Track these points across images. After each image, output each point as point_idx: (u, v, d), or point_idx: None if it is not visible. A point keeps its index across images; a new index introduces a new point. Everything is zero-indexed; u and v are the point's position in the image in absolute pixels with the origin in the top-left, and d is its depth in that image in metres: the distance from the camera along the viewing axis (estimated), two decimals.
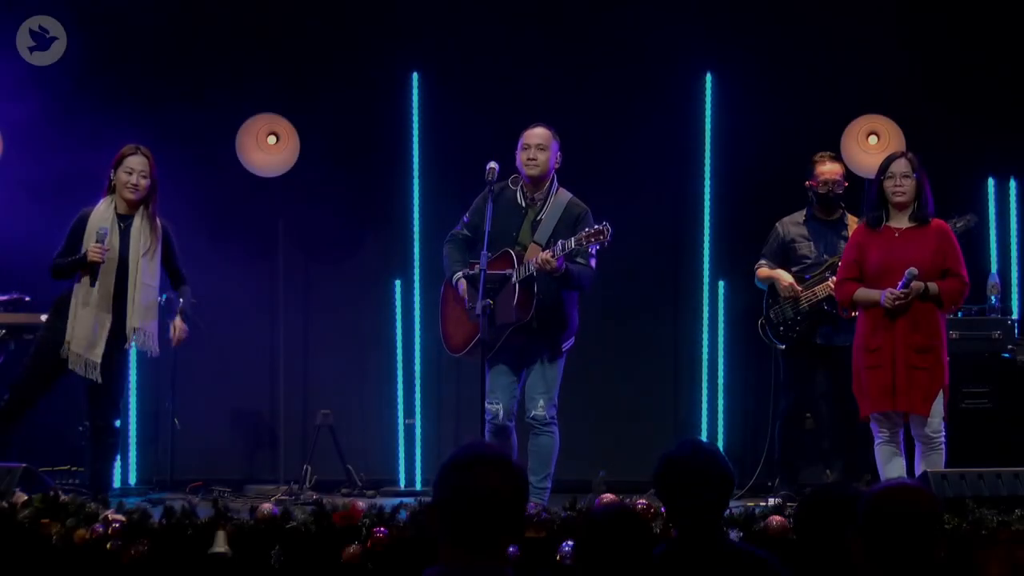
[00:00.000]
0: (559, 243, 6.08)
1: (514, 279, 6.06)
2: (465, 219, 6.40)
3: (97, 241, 6.14)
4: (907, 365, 5.90)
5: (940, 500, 2.90)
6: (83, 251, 6.16)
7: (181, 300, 6.45)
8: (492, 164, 6.16)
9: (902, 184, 6.03)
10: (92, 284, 6.16)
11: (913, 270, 5.86)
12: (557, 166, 6.28)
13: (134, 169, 6.25)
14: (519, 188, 6.29)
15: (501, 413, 6.13)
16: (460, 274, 6.21)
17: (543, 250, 6.10)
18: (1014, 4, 8.04)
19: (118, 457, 7.53)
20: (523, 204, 6.26)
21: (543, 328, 6.15)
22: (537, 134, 6.25)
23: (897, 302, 5.89)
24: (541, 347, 6.21)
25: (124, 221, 6.28)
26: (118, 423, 6.74)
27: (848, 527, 2.94)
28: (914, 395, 5.91)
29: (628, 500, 5.42)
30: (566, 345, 6.29)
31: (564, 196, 6.30)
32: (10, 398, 6.32)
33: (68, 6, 7.89)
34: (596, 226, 6.08)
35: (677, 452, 3.51)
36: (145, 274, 6.26)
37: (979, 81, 7.98)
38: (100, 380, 6.20)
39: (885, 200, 6.08)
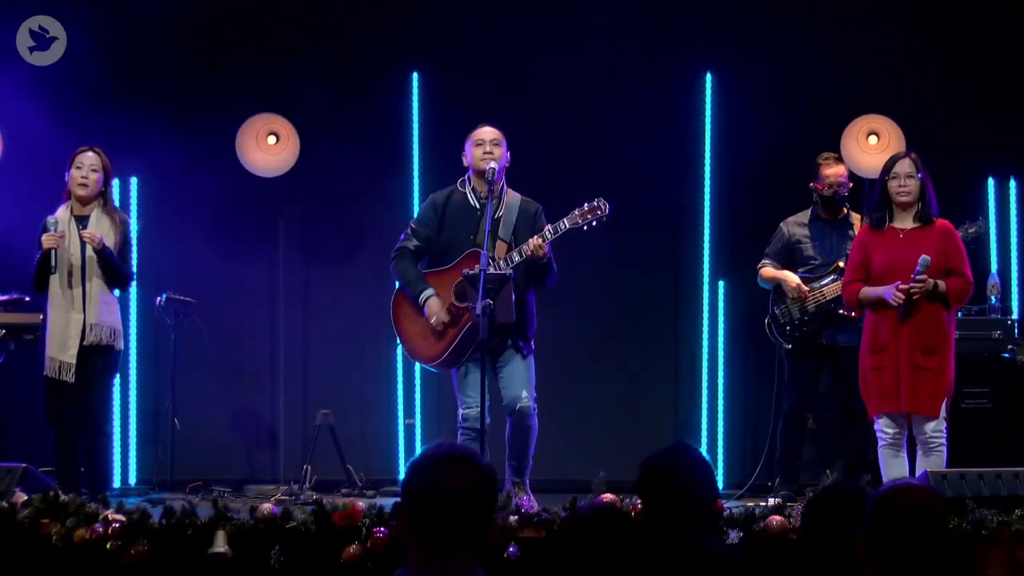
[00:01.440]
0: (548, 227, 6.08)
1: (509, 272, 6.03)
2: (413, 228, 6.38)
3: (48, 232, 6.30)
4: (912, 366, 5.90)
5: (946, 502, 2.89)
6: (53, 264, 6.31)
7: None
8: (492, 164, 6.15)
9: (906, 184, 6.03)
10: (54, 273, 6.29)
11: (926, 258, 5.86)
12: (507, 165, 6.29)
13: (83, 164, 6.41)
14: (468, 190, 6.28)
15: (477, 415, 6.04)
16: (431, 293, 6.19)
17: (508, 247, 6.12)
18: (1014, 4, 8.04)
19: (115, 457, 7.57)
20: (476, 205, 6.24)
21: (516, 325, 6.12)
22: (490, 131, 6.25)
23: (914, 289, 5.87)
24: (513, 343, 6.18)
25: (81, 222, 6.40)
26: (108, 425, 6.79)
27: (854, 526, 2.94)
28: (920, 396, 5.91)
29: (628, 500, 5.43)
30: (533, 343, 6.28)
31: (515, 195, 6.33)
32: (54, 428, 6.42)
33: (68, 6, 7.88)
34: (591, 202, 6.08)
35: (662, 456, 3.54)
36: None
37: (979, 81, 7.98)
38: (74, 380, 6.29)
39: (889, 200, 6.08)
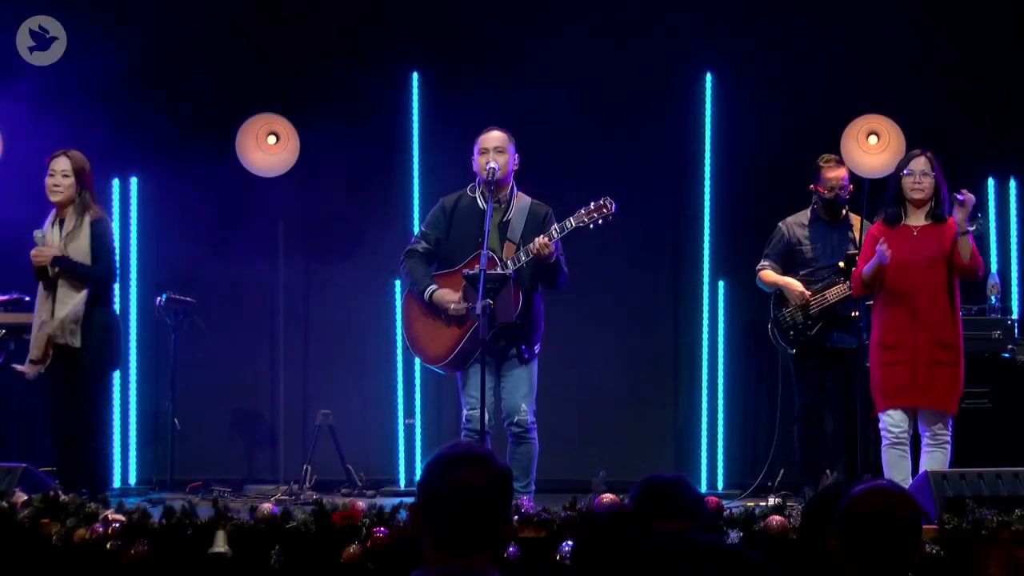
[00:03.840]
0: (554, 226, 6.09)
1: (509, 272, 6.04)
2: (423, 231, 6.39)
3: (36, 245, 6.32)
4: (930, 361, 5.96)
5: (919, 507, 2.89)
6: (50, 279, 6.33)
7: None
8: (492, 164, 6.15)
9: (921, 182, 6.09)
10: (46, 290, 6.32)
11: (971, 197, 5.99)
12: (515, 168, 6.29)
13: (55, 171, 6.40)
14: (478, 194, 6.29)
15: (481, 417, 6.05)
16: (434, 287, 6.20)
17: (516, 249, 6.13)
18: (1013, 4, 8.04)
19: (115, 457, 7.58)
20: (485, 208, 6.20)
21: (518, 329, 6.14)
22: (494, 137, 6.22)
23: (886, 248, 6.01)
24: (518, 349, 6.19)
25: (63, 226, 6.41)
26: (108, 426, 6.79)
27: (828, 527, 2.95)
28: (936, 391, 5.97)
29: (627, 500, 5.42)
30: (538, 347, 6.29)
31: (525, 199, 6.32)
32: (53, 430, 6.44)
33: (68, 6, 7.88)
34: (597, 201, 6.08)
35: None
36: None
37: (979, 81, 7.98)
38: (39, 378, 6.34)
39: (903, 197, 6.12)
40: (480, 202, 6.26)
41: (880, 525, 2.81)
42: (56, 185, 6.37)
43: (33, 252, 6.32)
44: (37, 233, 6.35)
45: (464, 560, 2.59)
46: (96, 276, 6.37)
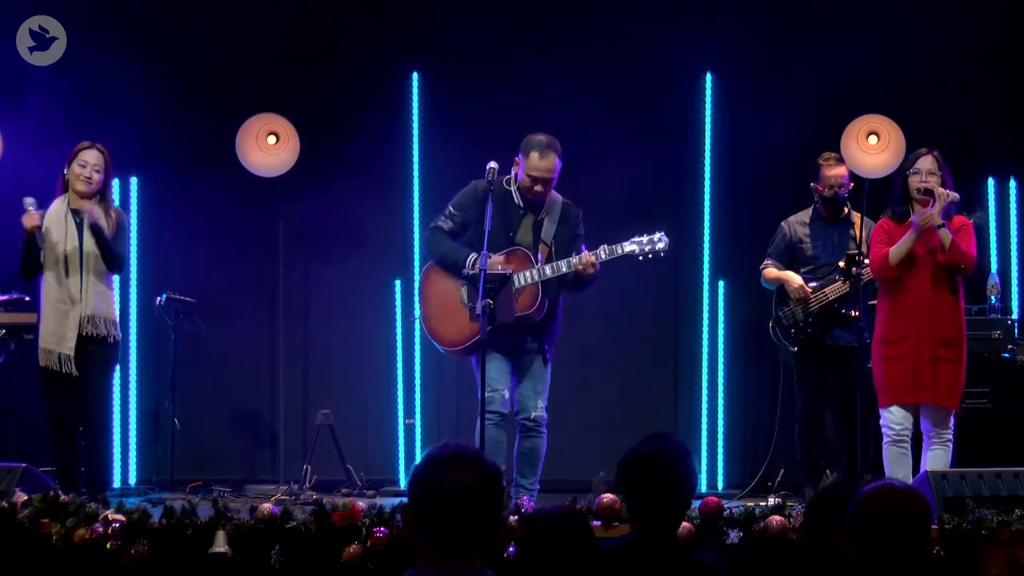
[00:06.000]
0: (604, 248, 6.11)
1: (536, 278, 6.09)
2: (450, 211, 6.35)
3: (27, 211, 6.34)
4: (932, 357, 5.97)
5: (929, 504, 2.90)
6: (39, 246, 6.35)
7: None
8: (492, 164, 6.14)
9: (927, 180, 6.09)
10: (42, 250, 6.33)
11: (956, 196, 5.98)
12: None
13: (88, 162, 6.42)
14: (514, 188, 6.29)
15: (506, 397, 6.13)
16: (475, 255, 6.08)
17: (549, 250, 6.17)
18: (1013, 4, 8.04)
19: (115, 457, 7.58)
20: (521, 205, 6.25)
21: (543, 328, 6.18)
22: (552, 167, 6.17)
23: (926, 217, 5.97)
24: (538, 346, 6.22)
25: (78, 216, 6.41)
26: (109, 421, 6.79)
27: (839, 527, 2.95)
28: (940, 387, 5.98)
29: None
30: (554, 349, 6.32)
31: (557, 198, 6.33)
32: (52, 426, 6.44)
33: (68, 6, 7.88)
34: (652, 234, 6.15)
35: (638, 451, 3.53)
36: (99, 263, 6.39)
37: (979, 81, 7.99)
38: (76, 373, 6.30)
39: (909, 195, 6.13)
40: (516, 196, 6.27)
41: (891, 523, 2.81)
42: (88, 177, 6.39)
43: (86, 206, 6.33)
44: (28, 199, 6.36)
45: (456, 559, 2.60)
46: (118, 254, 6.42)
